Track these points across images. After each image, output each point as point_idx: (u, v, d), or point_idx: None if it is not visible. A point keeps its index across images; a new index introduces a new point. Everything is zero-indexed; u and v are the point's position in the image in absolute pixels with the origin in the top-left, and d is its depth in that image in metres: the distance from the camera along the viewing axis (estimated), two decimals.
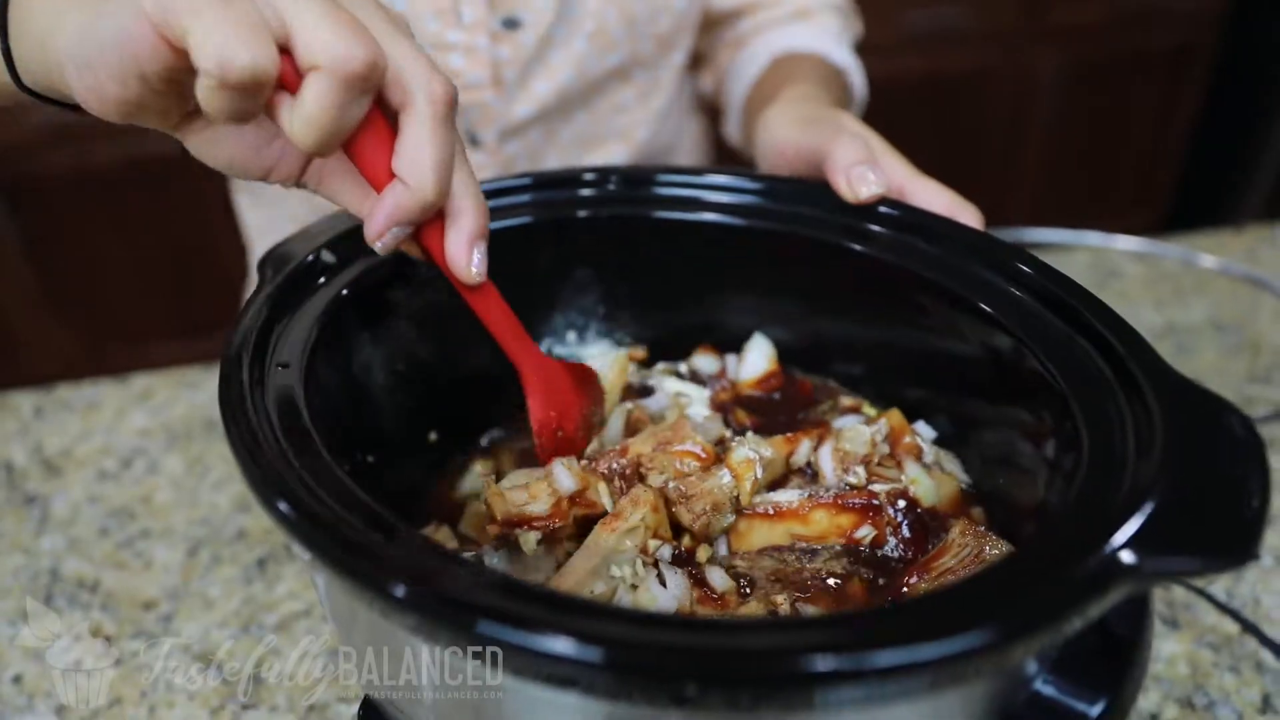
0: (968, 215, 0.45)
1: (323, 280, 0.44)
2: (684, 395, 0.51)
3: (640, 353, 0.54)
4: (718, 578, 0.40)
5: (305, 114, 0.32)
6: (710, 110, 0.88)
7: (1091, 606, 0.25)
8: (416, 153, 0.35)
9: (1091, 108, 2.12)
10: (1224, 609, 0.55)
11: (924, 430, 0.46)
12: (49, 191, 1.76)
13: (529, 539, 0.40)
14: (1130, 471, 0.29)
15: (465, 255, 0.38)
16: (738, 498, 0.41)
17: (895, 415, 0.45)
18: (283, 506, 0.29)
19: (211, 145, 0.38)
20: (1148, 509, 0.27)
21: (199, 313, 1.92)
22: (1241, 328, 0.84)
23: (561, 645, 0.24)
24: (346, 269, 0.45)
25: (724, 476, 0.41)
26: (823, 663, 0.23)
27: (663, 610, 0.38)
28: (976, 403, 0.43)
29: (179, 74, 0.33)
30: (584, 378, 0.47)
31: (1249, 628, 0.53)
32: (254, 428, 0.33)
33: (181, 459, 0.75)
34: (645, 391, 0.52)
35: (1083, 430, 0.32)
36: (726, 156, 0.91)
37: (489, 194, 0.50)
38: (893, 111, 1.95)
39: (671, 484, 0.41)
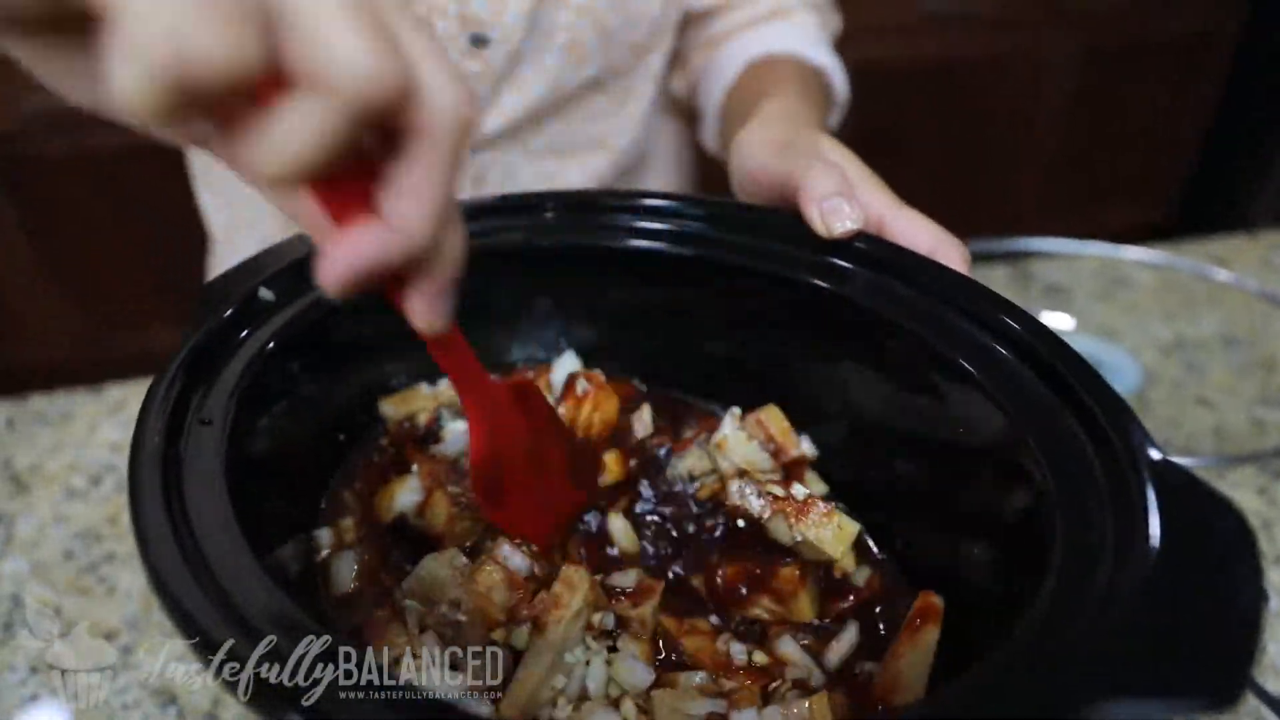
0: (952, 254, 0.42)
1: (256, 324, 0.41)
2: None
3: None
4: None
5: (284, 145, 0.22)
6: (685, 113, 0.85)
7: None
8: (421, 194, 0.26)
9: (1106, 95, 2.06)
10: None
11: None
12: (47, 176, 1.75)
13: (520, 633, 0.37)
14: (1108, 585, 0.26)
15: (433, 306, 0.29)
16: None
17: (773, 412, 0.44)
18: (175, 612, 0.27)
19: (64, 70, 0.27)
20: (1123, 643, 0.24)
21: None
22: (1254, 343, 0.80)
23: None
24: (285, 309, 0.42)
25: None
26: None
27: (641, 681, 0.36)
28: (942, 468, 0.40)
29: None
30: (523, 396, 0.41)
31: (1251, 685, 0.50)
32: (159, 507, 0.31)
33: None
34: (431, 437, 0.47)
35: (1058, 519, 0.29)
36: (705, 161, 0.87)
37: None
38: (904, 94, 1.92)
39: None
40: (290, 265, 0.44)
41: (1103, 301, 0.86)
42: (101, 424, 0.79)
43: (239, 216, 0.83)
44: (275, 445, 0.40)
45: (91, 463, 0.75)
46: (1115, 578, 0.26)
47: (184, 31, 0.20)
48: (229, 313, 0.40)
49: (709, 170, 0.82)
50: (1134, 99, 2.08)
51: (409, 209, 0.26)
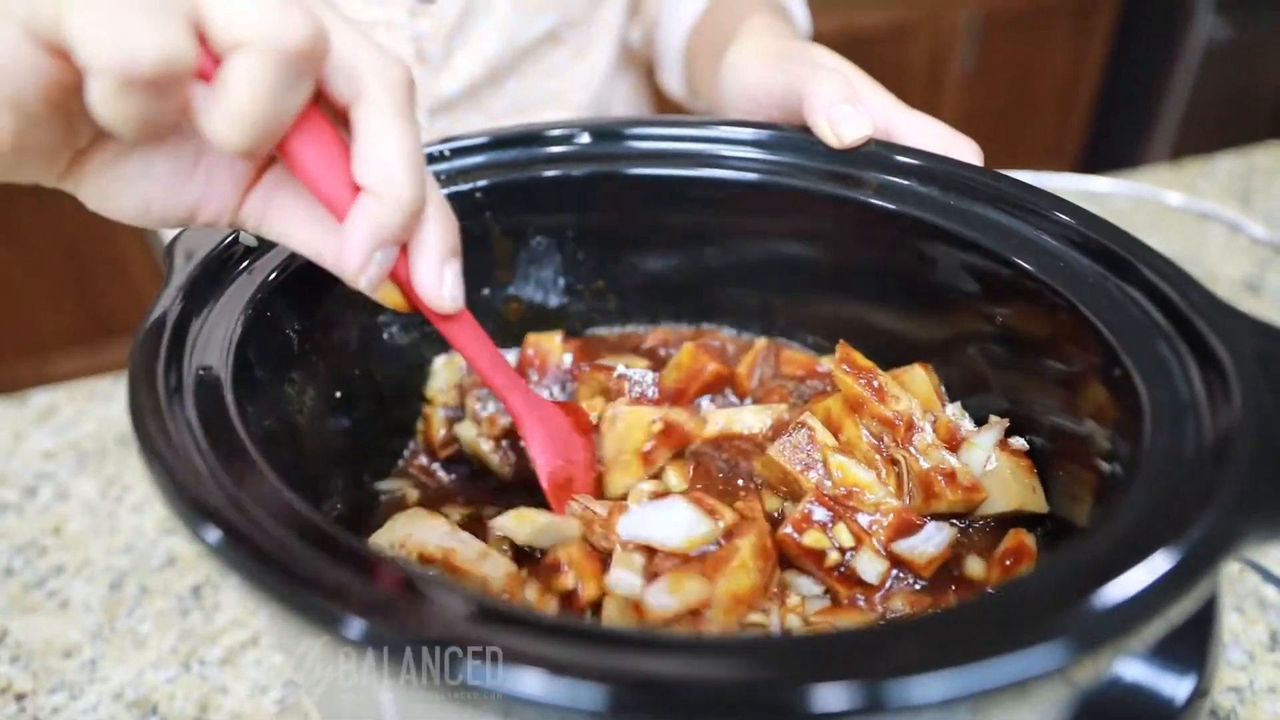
0: (965, 150, 0.41)
1: (244, 266, 0.38)
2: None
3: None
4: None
5: (231, 103, 0.26)
6: (642, 63, 0.83)
7: (1194, 590, 0.22)
8: (381, 150, 0.29)
9: (1007, 59, 2.14)
10: None
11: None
12: None
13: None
14: (1206, 424, 0.26)
15: (435, 278, 0.32)
16: None
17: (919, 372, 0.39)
18: (211, 536, 0.24)
19: (116, 188, 0.31)
20: (1241, 466, 0.24)
21: (105, 319, 1.80)
22: (1195, 261, 0.83)
23: (560, 690, 0.20)
24: (271, 251, 0.39)
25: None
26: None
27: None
28: (1002, 361, 0.39)
29: (66, 93, 0.26)
30: (580, 418, 0.42)
31: (1251, 564, 0.52)
32: (174, 444, 0.27)
33: (95, 481, 0.67)
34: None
35: (1137, 379, 0.29)
36: (664, 111, 0.86)
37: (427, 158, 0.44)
38: None
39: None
40: None
41: None
42: (29, 433, 0.72)
43: None
44: (278, 392, 0.37)
45: (23, 473, 0.68)
46: (1217, 424, 0.26)
47: (125, 42, 0.24)
48: (213, 256, 0.37)
49: None
50: (1033, 62, 2.17)
51: (379, 168, 0.29)
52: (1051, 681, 0.21)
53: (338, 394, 0.43)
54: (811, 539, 0.34)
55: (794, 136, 0.43)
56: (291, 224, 0.33)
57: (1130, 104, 2.26)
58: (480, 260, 0.47)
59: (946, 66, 2.13)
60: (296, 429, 0.38)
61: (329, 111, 0.30)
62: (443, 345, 0.48)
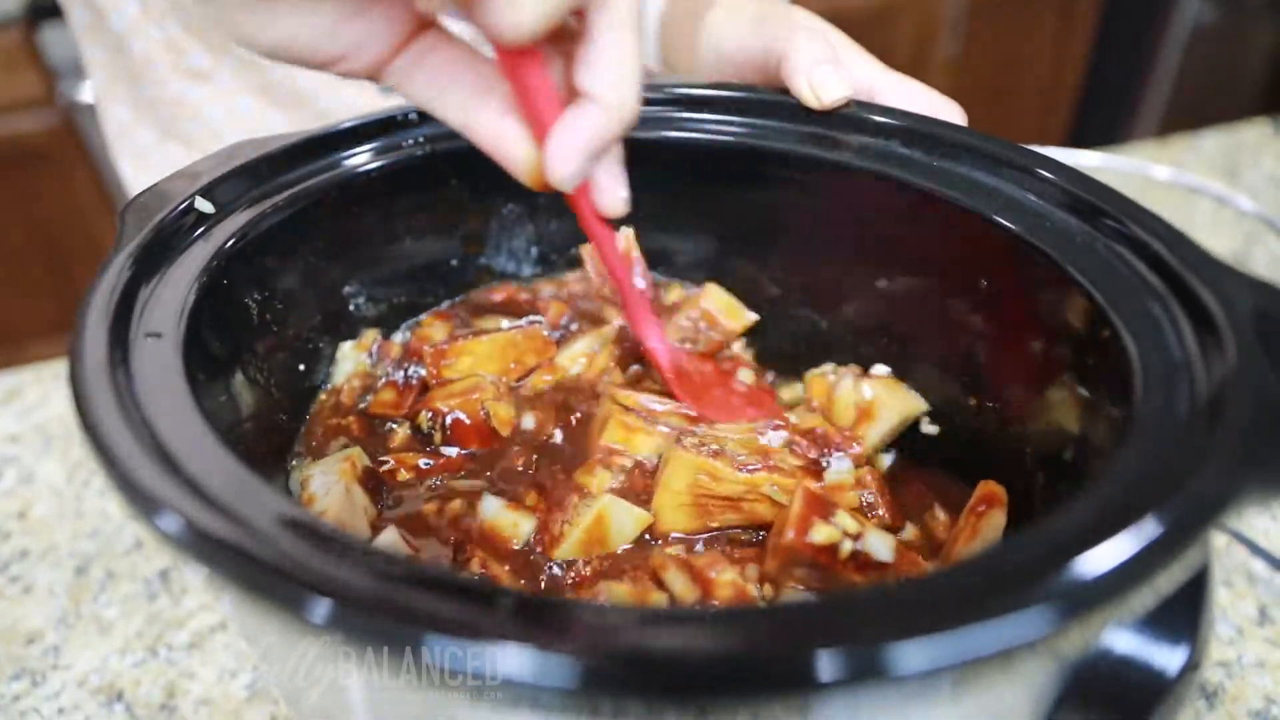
0: (948, 112, 0.40)
1: (200, 232, 0.36)
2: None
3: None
4: None
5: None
6: None
7: (1186, 554, 0.21)
8: (618, 62, 0.28)
9: (990, 42, 2.13)
10: None
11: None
12: None
13: None
14: (1200, 383, 0.25)
15: (619, 182, 0.32)
16: None
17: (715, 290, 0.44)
18: (164, 523, 0.22)
19: (268, 20, 0.28)
20: (1235, 425, 0.23)
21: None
22: (1187, 232, 0.82)
23: (538, 667, 0.19)
24: (228, 218, 0.37)
25: None
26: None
27: None
28: (986, 325, 0.38)
29: None
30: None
31: (1238, 538, 0.52)
32: (117, 413, 0.26)
33: (61, 465, 0.66)
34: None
35: (1127, 339, 0.28)
36: None
37: (388, 125, 0.42)
38: None
39: None
40: (225, 177, 0.39)
41: None
42: None
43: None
44: (234, 365, 0.35)
45: None
46: (1211, 383, 0.25)
47: None
48: (167, 221, 0.35)
49: None
50: (1018, 45, 2.16)
51: (615, 81, 0.28)
52: (1036, 651, 0.20)
53: (301, 367, 0.42)
54: (823, 535, 0.32)
55: (773, 99, 0.41)
56: (441, 91, 0.31)
57: (1115, 89, 2.26)
58: (450, 230, 0.45)
59: (931, 50, 2.11)
60: (255, 402, 0.37)
61: None
62: (386, 325, 0.46)
